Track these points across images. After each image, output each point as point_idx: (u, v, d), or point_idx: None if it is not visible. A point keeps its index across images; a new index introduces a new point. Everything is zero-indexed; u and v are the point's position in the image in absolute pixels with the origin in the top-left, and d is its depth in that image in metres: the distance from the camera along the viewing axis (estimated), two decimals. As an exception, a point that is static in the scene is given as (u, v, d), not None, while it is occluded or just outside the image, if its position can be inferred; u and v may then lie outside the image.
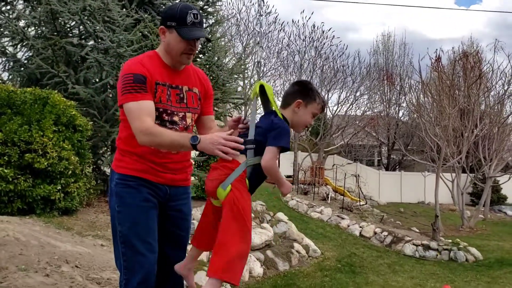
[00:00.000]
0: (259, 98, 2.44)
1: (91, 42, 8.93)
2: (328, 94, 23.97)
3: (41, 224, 5.67)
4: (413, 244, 14.19)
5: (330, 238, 14.15)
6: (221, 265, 2.03)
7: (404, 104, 27.92)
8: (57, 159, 6.26)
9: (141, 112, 2.27)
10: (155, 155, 2.39)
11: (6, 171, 5.89)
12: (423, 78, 20.78)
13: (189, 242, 2.54)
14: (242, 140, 2.23)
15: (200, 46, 10.63)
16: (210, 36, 10.67)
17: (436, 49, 27.99)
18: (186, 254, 2.52)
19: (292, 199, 17.84)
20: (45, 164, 6.13)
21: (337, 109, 24.34)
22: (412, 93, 23.96)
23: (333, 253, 12.71)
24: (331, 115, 24.57)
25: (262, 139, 2.23)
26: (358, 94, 24.70)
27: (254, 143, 2.24)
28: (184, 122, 2.45)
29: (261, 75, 2.65)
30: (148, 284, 2.35)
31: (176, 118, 2.42)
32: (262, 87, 2.37)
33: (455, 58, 20.88)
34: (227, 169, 2.19)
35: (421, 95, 21.62)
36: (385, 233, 15.06)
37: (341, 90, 24.23)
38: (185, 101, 2.46)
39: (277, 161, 2.27)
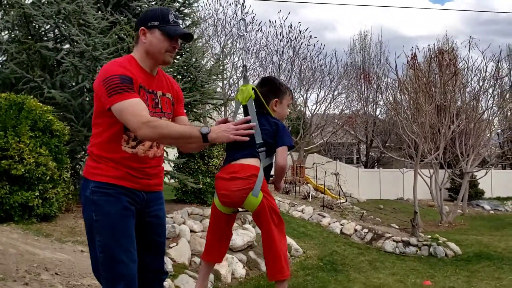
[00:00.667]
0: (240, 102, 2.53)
1: (67, 46, 8.83)
2: (306, 94, 24.16)
3: (19, 231, 5.57)
4: (393, 241, 14.37)
5: (311, 237, 14.24)
6: (284, 266, 2.25)
7: (381, 102, 28.28)
8: (35, 165, 6.16)
9: (137, 108, 2.24)
10: (132, 160, 2.35)
11: (-19, 178, 5.78)
12: (400, 76, 21.09)
13: (200, 257, 2.61)
14: (250, 119, 2.34)
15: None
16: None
17: (412, 47, 28.53)
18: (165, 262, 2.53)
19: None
20: (22, 170, 6.03)
21: (316, 108, 24.52)
22: (389, 91, 24.25)
23: (315, 252, 12.79)
24: (310, 115, 24.72)
25: (271, 140, 2.37)
26: (336, 93, 24.94)
27: (264, 145, 2.34)
28: None
29: (248, 79, 2.72)
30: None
31: None
32: (255, 91, 2.49)
33: (431, 56, 21.22)
34: (253, 176, 2.28)
35: (398, 93, 21.91)
36: (366, 230, 15.22)
37: (319, 90, 24.44)
38: (159, 106, 2.46)
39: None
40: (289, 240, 12.55)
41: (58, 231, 6.14)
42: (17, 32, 9.05)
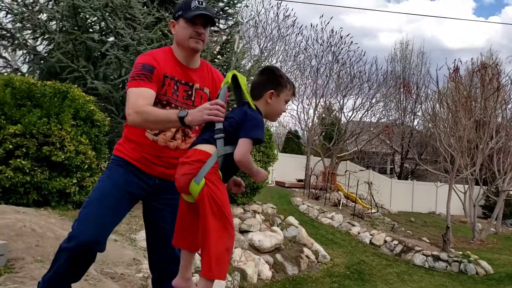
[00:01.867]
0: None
1: (112, 39, 9.01)
2: (343, 100, 23.89)
3: (56, 216, 5.71)
4: (423, 254, 14.07)
5: (340, 245, 14.08)
6: (212, 265, 1.99)
7: (419, 113, 27.73)
8: (74, 153, 6.30)
9: (138, 96, 2.31)
10: (151, 147, 2.43)
11: (23, 162, 5.95)
12: (440, 88, 20.62)
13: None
14: (223, 103, 2.18)
15: (218, 47, 10.69)
16: (229, 38, 10.71)
17: (455, 59, 27.92)
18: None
19: (303, 204, 17.78)
20: (62, 157, 6.18)
21: (352, 115, 24.22)
22: (428, 103, 23.75)
23: (342, 260, 12.64)
24: (345, 121, 24.46)
25: (234, 131, 2.13)
26: (374, 100, 24.57)
27: (223, 132, 2.13)
28: None
29: (238, 66, 2.59)
30: (80, 251, 2.31)
31: None
32: (235, 77, 2.25)
33: (473, 69, 20.67)
34: (199, 162, 2.08)
35: (437, 105, 21.43)
36: (395, 242, 14.95)
37: (356, 96, 24.11)
38: (192, 98, 2.48)
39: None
40: (317, 246, 12.45)
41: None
42: (65, 22, 9.29)
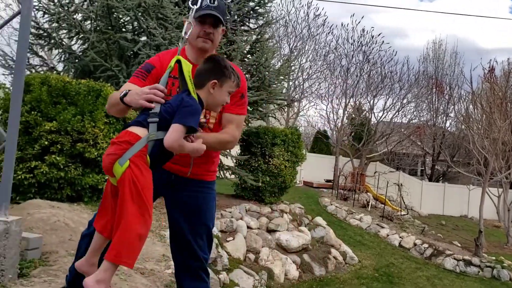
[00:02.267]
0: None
1: (144, 38, 9.15)
2: (373, 100, 23.62)
3: (88, 211, 5.84)
4: (454, 259, 13.80)
5: (368, 246, 13.94)
6: (120, 250, 1.90)
7: (452, 114, 27.17)
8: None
9: (121, 89, 2.34)
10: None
11: (58, 158, 6.11)
12: (474, 89, 20.15)
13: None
14: (163, 88, 2.13)
15: (248, 46, 10.72)
16: (259, 37, 10.73)
17: (490, 60, 27.15)
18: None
19: (331, 204, 17.68)
20: (95, 154, 6.31)
21: (382, 115, 23.92)
22: (462, 103, 23.26)
23: (370, 262, 12.52)
24: (375, 121, 24.17)
25: (169, 117, 2.07)
26: (405, 101, 24.21)
27: (158, 117, 2.07)
28: None
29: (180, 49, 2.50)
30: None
31: None
32: (180, 64, 2.21)
33: (510, 70, 20.12)
34: (126, 143, 2.01)
35: (471, 106, 20.95)
36: (426, 245, 14.71)
37: (387, 96, 23.81)
38: None
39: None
40: (345, 247, 12.36)
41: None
42: (99, 22, 9.49)
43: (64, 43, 9.83)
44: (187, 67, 2.19)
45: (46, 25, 9.85)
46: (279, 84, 11.65)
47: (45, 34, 9.58)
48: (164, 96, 2.15)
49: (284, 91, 14.70)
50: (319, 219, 13.16)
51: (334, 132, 24.20)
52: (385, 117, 24.06)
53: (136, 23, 9.45)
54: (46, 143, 6.15)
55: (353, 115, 24.15)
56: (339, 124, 23.16)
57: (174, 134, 2.02)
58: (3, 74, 9.86)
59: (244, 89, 2.52)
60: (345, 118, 23.31)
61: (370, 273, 11.61)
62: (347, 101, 22.95)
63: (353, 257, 12.21)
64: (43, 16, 9.67)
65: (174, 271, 2.57)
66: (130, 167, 1.94)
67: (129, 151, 1.97)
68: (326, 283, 10.22)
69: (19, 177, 6.05)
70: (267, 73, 10.43)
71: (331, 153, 25.26)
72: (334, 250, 11.90)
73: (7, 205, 3.29)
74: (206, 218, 2.54)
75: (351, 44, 23.12)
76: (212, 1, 2.40)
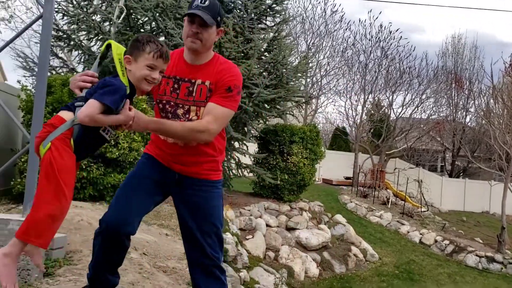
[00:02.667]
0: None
1: (162, 38, 9.22)
2: (392, 96, 23.40)
3: (110, 211, 5.94)
4: (476, 255, 13.62)
5: (388, 244, 13.84)
6: (28, 228, 1.94)
7: (472, 109, 26.74)
8: (128, 150, 6.52)
9: None
10: (163, 144, 2.49)
11: (80, 159, 6.22)
12: (495, 83, 19.81)
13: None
14: (93, 73, 2.16)
15: (265, 44, 10.71)
16: (276, 35, 10.71)
17: (511, 53, 26.55)
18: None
19: (351, 202, 17.59)
20: (116, 154, 6.41)
21: (401, 111, 23.67)
22: (482, 98, 22.89)
23: (391, 259, 12.43)
24: (395, 117, 23.94)
25: (90, 97, 2.07)
26: (424, 96, 23.90)
27: (83, 101, 2.08)
28: (187, 116, 2.43)
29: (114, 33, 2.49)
30: (109, 233, 2.39)
31: (180, 112, 2.43)
32: (109, 47, 2.21)
33: (532, 63, 19.71)
34: (50, 126, 2.06)
35: (492, 101, 20.60)
36: (447, 242, 14.54)
37: (406, 92, 23.54)
38: (193, 94, 2.43)
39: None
40: (365, 244, 12.30)
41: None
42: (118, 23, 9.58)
43: (84, 45, 9.95)
44: (117, 50, 2.19)
45: (65, 27, 9.98)
46: (296, 82, 11.62)
47: (65, 35, 9.71)
48: (93, 80, 2.19)
49: (302, 88, 14.68)
50: (339, 217, 13.10)
51: (353, 129, 24.03)
52: (404, 113, 23.81)
53: (154, 23, 9.52)
54: (68, 143, 6.28)
55: (372, 111, 23.95)
56: (358, 120, 22.99)
57: (86, 108, 2.02)
58: (24, 76, 10.02)
59: (233, 83, 2.44)
60: (364, 114, 23.13)
61: (390, 270, 11.53)
62: (366, 97, 22.77)
63: (374, 254, 12.14)
64: (63, 18, 9.81)
65: (188, 269, 2.60)
66: (50, 149, 1.98)
67: (51, 134, 2.01)
68: (347, 281, 10.18)
69: (43, 177, 6.19)
70: (284, 70, 10.41)
71: (350, 150, 25.10)
72: (354, 247, 11.84)
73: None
74: (213, 217, 2.53)
75: (369, 40, 22.92)
76: (202, 1, 2.37)
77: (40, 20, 3.49)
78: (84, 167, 6.23)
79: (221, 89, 2.41)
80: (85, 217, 4.77)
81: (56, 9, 9.48)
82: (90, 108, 2.02)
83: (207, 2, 2.38)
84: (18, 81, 11.99)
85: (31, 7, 17.73)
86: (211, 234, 2.51)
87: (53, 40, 9.58)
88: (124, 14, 2.40)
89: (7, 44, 3.55)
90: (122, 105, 2.10)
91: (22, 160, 6.03)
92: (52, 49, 9.94)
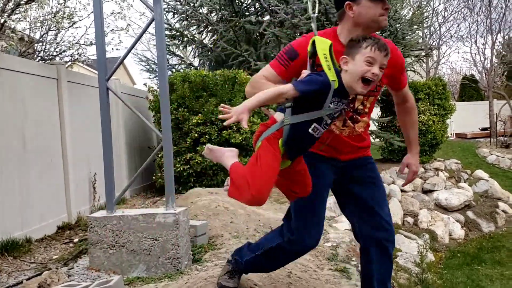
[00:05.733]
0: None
1: (267, 17, 9.23)
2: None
3: (243, 194, 6.15)
4: None
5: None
6: (241, 186, 2.08)
7: None
8: (250, 134, 6.69)
9: (260, 73, 2.35)
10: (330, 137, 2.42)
11: (208, 148, 6.54)
12: None
13: None
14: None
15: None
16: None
17: None
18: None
19: (491, 154, 16.21)
20: (240, 138, 6.65)
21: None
22: None
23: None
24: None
25: (299, 99, 2.07)
26: None
27: (292, 102, 2.07)
28: (351, 106, 2.35)
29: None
30: (302, 252, 2.56)
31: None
32: (314, 44, 2.14)
33: None
34: (264, 126, 2.17)
35: None
36: None
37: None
38: None
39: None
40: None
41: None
42: (224, 11, 9.79)
43: (196, 39, 10.36)
44: (321, 45, 2.13)
45: (177, 25, 10.46)
46: (413, 35, 10.94)
47: (178, 33, 10.19)
48: None
49: (420, 41, 13.75)
50: (479, 172, 12.18)
51: (484, 75, 22.03)
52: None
53: (257, 4, 9.56)
54: (196, 135, 6.68)
55: (503, 52, 21.71)
56: (488, 65, 21.02)
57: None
58: (149, 78, 10.76)
59: (403, 60, 2.56)
60: (494, 57, 21.07)
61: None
62: (494, 37, 20.68)
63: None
64: (173, 17, 10.28)
65: (360, 246, 2.57)
66: (261, 146, 2.10)
67: (264, 133, 2.14)
68: (498, 239, 9.44)
69: (178, 169, 6.67)
70: (398, 25, 9.82)
71: (483, 99, 23.10)
72: (502, 203, 10.94)
73: (173, 198, 3.60)
74: (382, 188, 2.59)
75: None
76: None
77: (153, 23, 3.67)
78: (213, 155, 6.54)
79: (401, 71, 2.66)
80: (221, 203, 5.00)
81: (166, 9, 9.96)
82: (280, 87, 2.10)
83: None
84: (145, 84, 12.91)
85: (144, 13, 18.91)
86: (384, 201, 2.53)
87: (168, 40, 10.11)
88: (317, 5, 2.43)
89: (129, 51, 3.78)
90: (333, 103, 2.10)
91: (159, 155, 6.50)
92: (168, 48, 10.51)
